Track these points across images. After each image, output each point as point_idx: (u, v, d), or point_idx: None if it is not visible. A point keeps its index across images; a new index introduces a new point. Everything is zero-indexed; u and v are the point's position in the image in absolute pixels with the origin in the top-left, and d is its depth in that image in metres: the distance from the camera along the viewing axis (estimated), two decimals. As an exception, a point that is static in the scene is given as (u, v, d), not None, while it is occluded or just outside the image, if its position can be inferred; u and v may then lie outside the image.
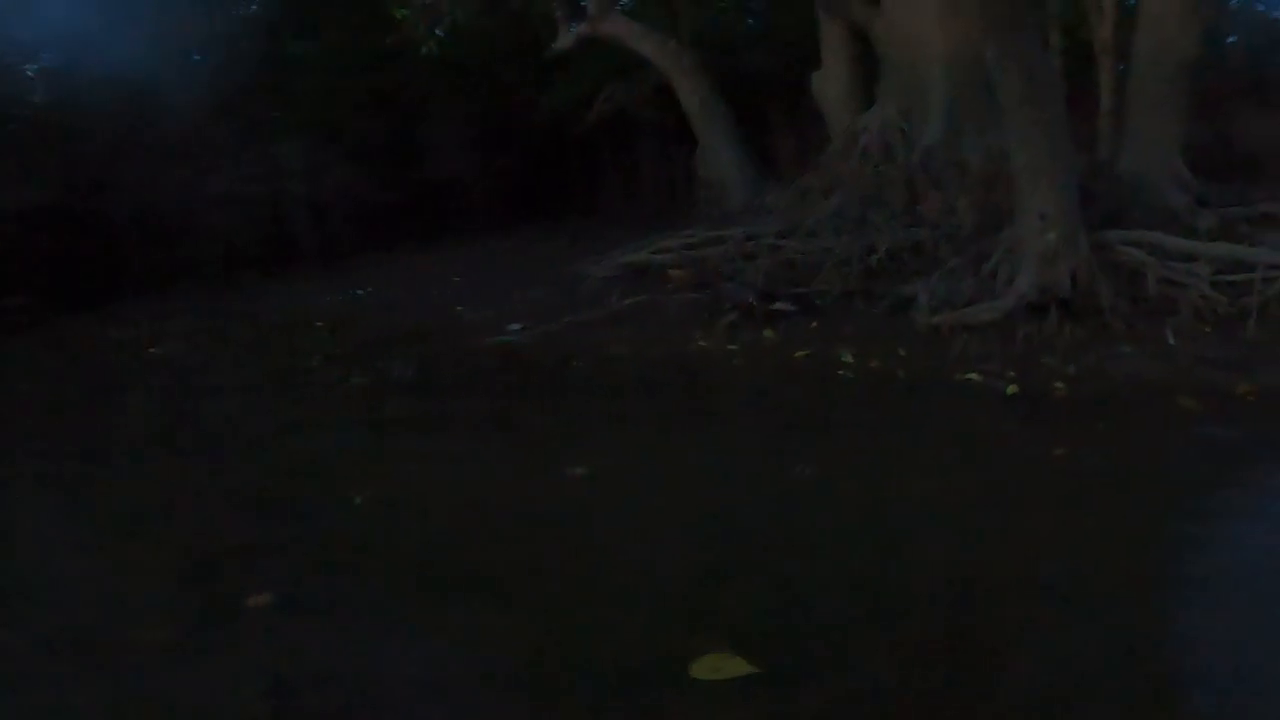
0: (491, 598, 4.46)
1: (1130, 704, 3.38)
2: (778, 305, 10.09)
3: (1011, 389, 7.88)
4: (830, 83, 14.06)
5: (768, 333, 9.95)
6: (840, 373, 8.68)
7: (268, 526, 5.67)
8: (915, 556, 4.75)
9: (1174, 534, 5.08)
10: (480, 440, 7.58)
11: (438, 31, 15.55)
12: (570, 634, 4.05)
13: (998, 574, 4.50)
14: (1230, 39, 18.44)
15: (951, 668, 3.66)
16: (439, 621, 4.31)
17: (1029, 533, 4.99)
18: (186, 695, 3.74)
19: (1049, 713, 3.34)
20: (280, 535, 5.49)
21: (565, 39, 17.07)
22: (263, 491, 6.41)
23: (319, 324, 13.32)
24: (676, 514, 5.40)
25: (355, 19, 18.46)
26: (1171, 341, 8.62)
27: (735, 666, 3.61)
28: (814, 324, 10.00)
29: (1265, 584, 4.24)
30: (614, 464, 6.39)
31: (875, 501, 5.54)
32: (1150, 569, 4.74)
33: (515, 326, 11.44)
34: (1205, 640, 3.83)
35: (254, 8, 18.19)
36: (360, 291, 15.38)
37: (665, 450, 6.85)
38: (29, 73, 18.64)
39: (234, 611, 4.40)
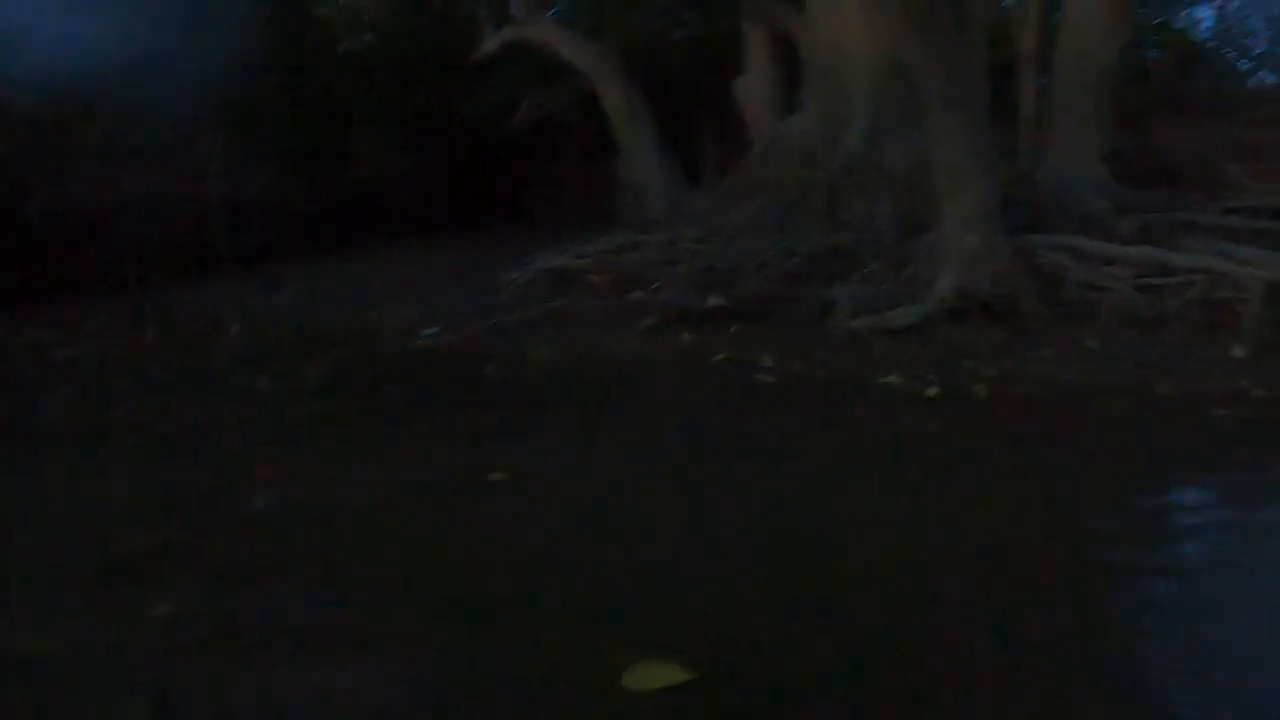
0: (399, 605, 4.19)
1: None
2: (712, 303, 9.86)
3: (932, 391, 7.72)
4: (754, 88, 14.00)
5: (686, 336, 9.73)
6: (759, 375, 8.46)
7: (166, 530, 5.31)
8: (828, 546, 4.65)
9: (1071, 520, 4.97)
10: (387, 441, 7.31)
11: (360, 32, 15.15)
12: (491, 646, 3.79)
13: (907, 557, 4.41)
14: (1153, 54, 18.76)
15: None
16: (342, 636, 3.99)
17: (943, 521, 4.91)
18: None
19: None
20: (176, 540, 5.15)
21: (490, 43, 16.89)
22: (162, 493, 6.07)
23: (235, 327, 12.91)
24: (597, 517, 5.21)
25: (280, 18, 18.04)
26: (1093, 344, 8.57)
27: (669, 674, 3.38)
28: (733, 328, 9.78)
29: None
30: (528, 466, 6.08)
31: (789, 496, 5.39)
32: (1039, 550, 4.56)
33: (432, 329, 11.17)
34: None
35: (177, 4, 17.69)
36: (280, 295, 15.01)
37: (581, 452, 6.59)
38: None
39: (125, 620, 4.12)
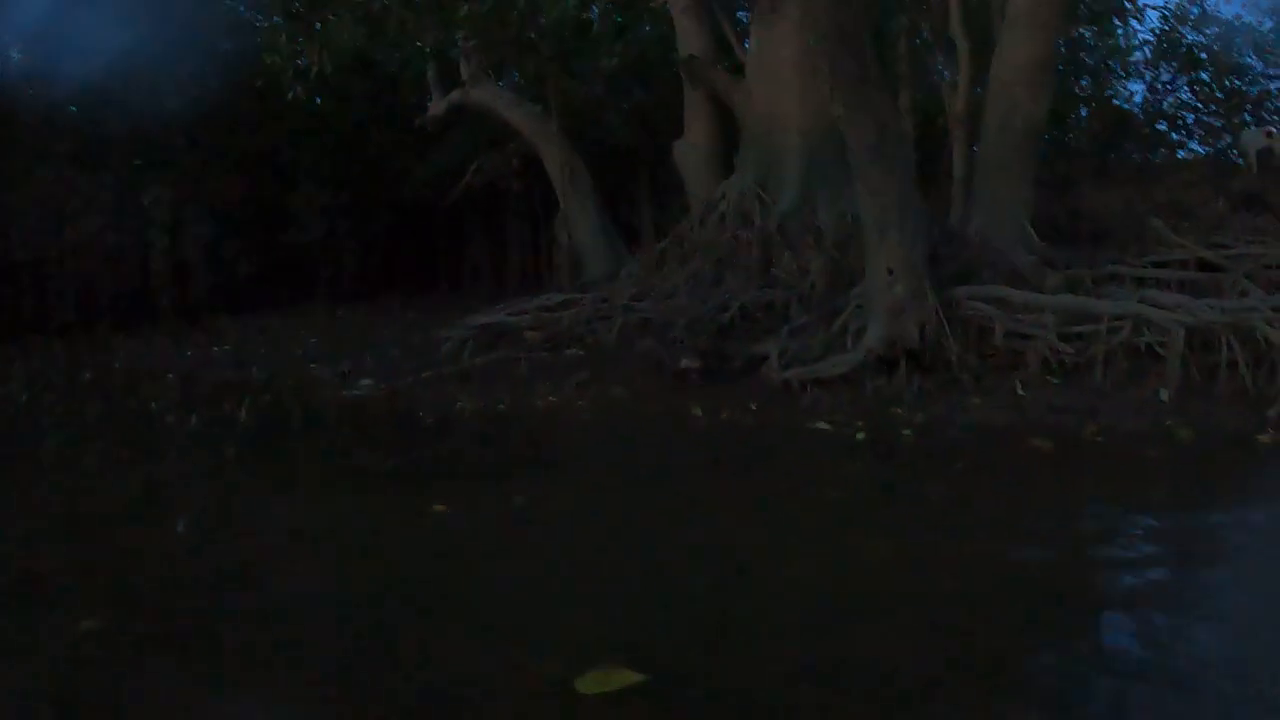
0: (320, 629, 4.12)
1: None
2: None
3: (860, 436, 7.76)
4: (692, 152, 14.19)
5: (616, 389, 9.72)
6: (688, 426, 8.47)
7: (82, 556, 5.29)
8: (755, 580, 4.61)
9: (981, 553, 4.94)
10: (307, 482, 7.39)
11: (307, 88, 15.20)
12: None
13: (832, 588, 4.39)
14: (1082, 112, 19.21)
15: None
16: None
17: (863, 554, 4.92)
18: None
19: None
20: (93, 566, 5.10)
21: (438, 106, 17.01)
22: (78, 522, 6.08)
23: (170, 375, 12.94)
24: (508, 552, 5.18)
25: (227, 71, 18.05)
26: (1020, 391, 8.66)
27: (622, 678, 3.35)
28: (667, 381, 9.78)
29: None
30: (447, 508, 6.00)
31: (713, 535, 5.35)
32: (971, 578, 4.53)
33: (366, 382, 11.22)
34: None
35: (132, 56, 17.68)
36: (217, 348, 15.03)
37: (496, 500, 6.49)
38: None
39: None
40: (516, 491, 6.30)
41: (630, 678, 3.35)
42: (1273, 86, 22.98)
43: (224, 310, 18.01)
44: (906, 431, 7.89)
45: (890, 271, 8.85)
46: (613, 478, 7.11)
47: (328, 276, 20.37)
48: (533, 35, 14.31)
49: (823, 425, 8.12)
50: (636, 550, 5.10)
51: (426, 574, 4.80)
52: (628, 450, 8.06)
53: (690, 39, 14.28)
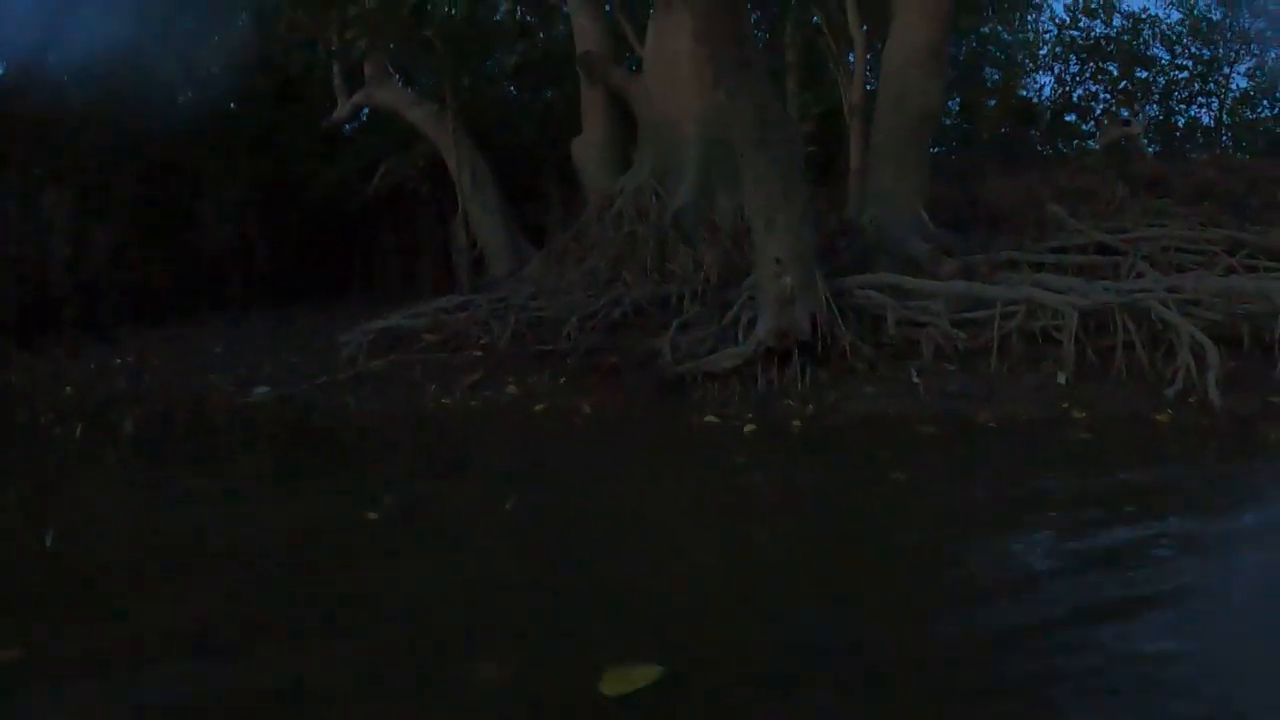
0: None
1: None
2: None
3: (749, 428, 7.60)
4: (589, 148, 14.00)
5: (510, 389, 9.49)
6: (577, 421, 8.28)
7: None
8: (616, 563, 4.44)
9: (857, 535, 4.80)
10: (189, 485, 6.96)
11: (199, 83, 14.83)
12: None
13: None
14: (990, 104, 19.33)
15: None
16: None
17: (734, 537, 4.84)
18: None
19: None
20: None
21: (342, 108, 16.70)
22: None
23: (67, 389, 12.60)
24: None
25: (127, 73, 17.56)
26: (915, 379, 8.55)
27: (646, 674, 3.06)
28: (561, 379, 9.57)
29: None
30: (315, 510, 5.81)
31: (594, 523, 5.22)
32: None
33: (261, 389, 10.99)
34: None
35: (33, 55, 17.07)
36: (119, 360, 14.58)
37: (368, 502, 6.26)
38: None
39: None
40: (392, 490, 6.09)
41: (653, 672, 3.06)
42: (1179, 76, 23.32)
43: (130, 320, 17.50)
44: (795, 422, 7.76)
45: (778, 261, 8.68)
46: (492, 476, 6.88)
47: (238, 283, 19.91)
48: (427, 34, 14.01)
49: (712, 419, 7.98)
50: (506, 548, 4.88)
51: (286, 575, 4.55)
52: (512, 449, 7.88)
53: (587, 35, 14.08)
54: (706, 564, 4.45)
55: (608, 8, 14.60)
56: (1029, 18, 22.61)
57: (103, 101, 17.43)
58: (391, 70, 16.53)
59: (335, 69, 16.73)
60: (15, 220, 17.71)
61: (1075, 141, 22.09)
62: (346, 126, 18.53)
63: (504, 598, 3.92)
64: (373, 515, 5.30)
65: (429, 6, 13.67)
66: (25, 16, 15.24)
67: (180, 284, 18.88)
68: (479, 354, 10.68)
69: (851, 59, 13.24)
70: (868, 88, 13.03)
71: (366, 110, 18.22)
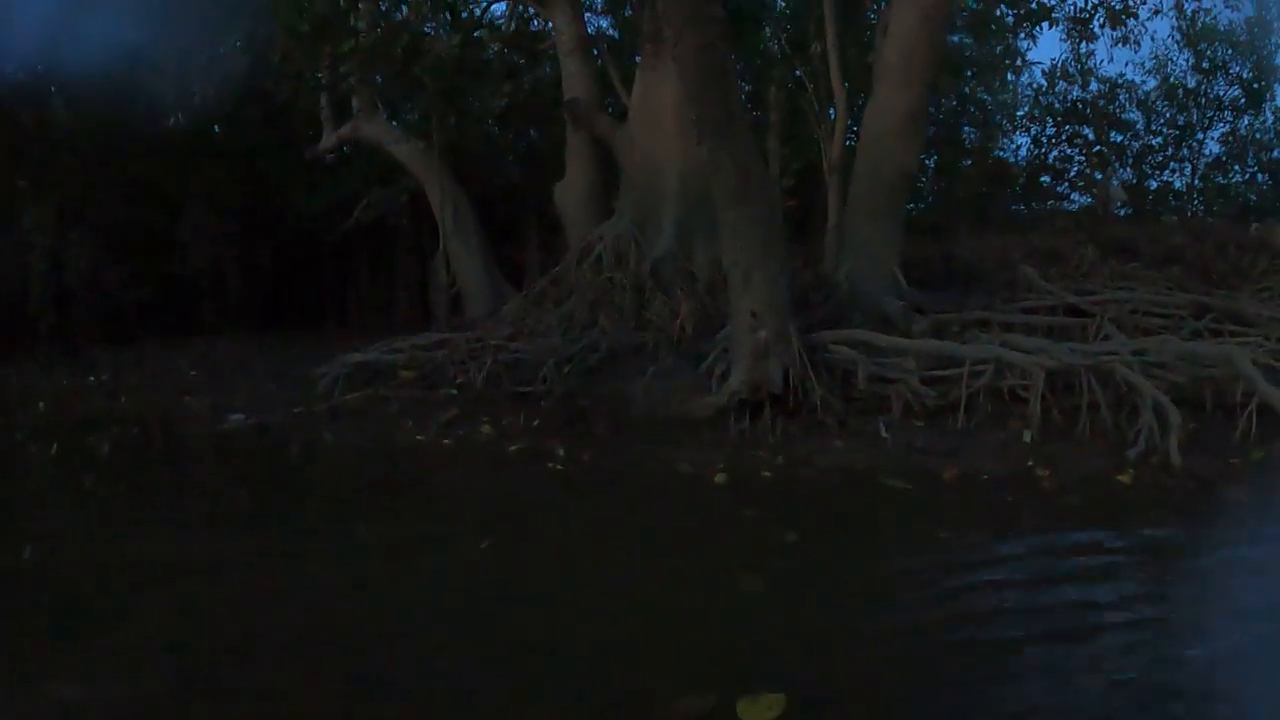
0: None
1: None
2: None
3: (720, 478, 7.70)
4: (572, 193, 14.20)
5: (485, 428, 9.59)
6: (550, 464, 8.36)
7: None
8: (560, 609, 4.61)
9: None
10: (156, 511, 7.26)
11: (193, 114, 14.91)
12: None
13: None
14: (966, 163, 19.62)
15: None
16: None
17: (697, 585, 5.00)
18: None
19: None
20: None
21: (328, 139, 16.82)
22: None
23: (40, 405, 12.66)
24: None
25: (113, 90, 17.61)
26: (884, 434, 8.69)
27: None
28: (535, 421, 9.68)
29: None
30: (280, 547, 5.93)
31: (556, 570, 5.42)
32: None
33: (236, 416, 11.02)
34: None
35: (18, 72, 17.07)
36: (93, 378, 14.67)
37: (338, 536, 6.35)
38: None
39: None
40: (363, 525, 6.18)
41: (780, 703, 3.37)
42: (1154, 141, 23.77)
43: (105, 338, 17.59)
44: (766, 473, 7.87)
45: (754, 315, 8.84)
46: (461, 516, 7.02)
47: (213, 307, 19.97)
48: (418, 72, 14.20)
49: (683, 467, 8.08)
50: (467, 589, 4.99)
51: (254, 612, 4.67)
52: (483, 490, 7.99)
53: (576, 82, 14.30)
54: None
55: (597, 56, 14.82)
56: (1009, 78, 23.05)
57: (88, 119, 17.51)
58: (379, 104, 16.71)
59: (323, 100, 16.88)
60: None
61: (1049, 202, 22.49)
62: (329, 157, 18.68)
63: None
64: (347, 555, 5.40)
65: (421, 45, 13.85)
66: (14, 31, 15.29)
67: (155, 305, 18.92)
68: (454, 392, 10.80)
69: (833, 114, 13.46)
70: (848, 143, 13.25)
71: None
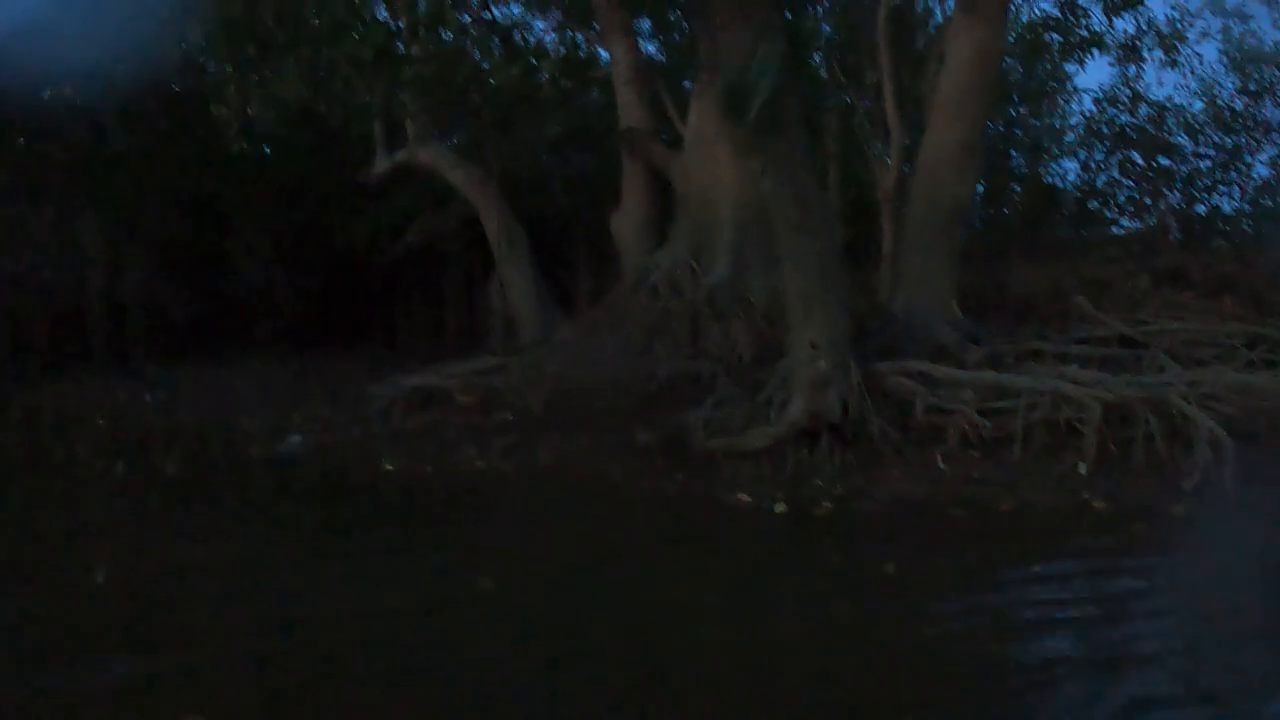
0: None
1: None
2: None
3: (780, 508, 7.82)
4: (628, 222, 14.35)
5: (543, 454, 9.75)
6: (609, 492, 8.52)
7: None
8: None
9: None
10: (225, 536, 7.34)
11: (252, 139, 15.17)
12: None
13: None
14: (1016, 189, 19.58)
15: None
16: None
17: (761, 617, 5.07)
18: None
19: None
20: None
21: (382, 163, 17.03)
22: None
23: (100, 421, 12.95)
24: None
25: (172, 112, 17.98)
26: (941, 465, 8.77)
27: None
28: (593, 449, 9.83)
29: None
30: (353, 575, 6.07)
31: (622, 596, 5.57)
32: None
33: (295, 438, 11.25)
34: None
35: (80, 89, 17.50)
36: (150, 395, 14.91)
37: (409, 556, 6.53)
38: None
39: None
40: (436, 553, 6.37)
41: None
42: (1202, 165, 23.61)
43: (158, 354, 17.88)
44: (825, 504, 7.97)
45: (813, 345, 8.96)
46: (528, 543, 7.15)
47: (264, 325, 20.27)
48: (476, 99, 14.41)
49: (743, 496, 8.19)
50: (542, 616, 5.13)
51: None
52: (548, 517, 8.12)
53: (631, 110, 14.47)
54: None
55: (650, 85, 14.98)
56: (1059, 102, 22.99)
57: (143, 139, 17.86)
58: (434, 131, 16.92)
59: (377, 125, 17.11)
60: (52, 250, 18.09)
61: (1099, 228, 22.40)
62: (380, 181, 18.92)
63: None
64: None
65: (482, 74, 14.06)
66: (72, 52, 15.61)
67: (207, 322, 19.24)
68: (511, 418, 10.95)
69: (888, 143, 13.55)
70: (904, 171, 13.33)
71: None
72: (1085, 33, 16.70)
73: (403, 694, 4.16)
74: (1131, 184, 23.35)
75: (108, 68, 16.22)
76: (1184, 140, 23.51)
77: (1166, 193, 22.45)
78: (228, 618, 5.05)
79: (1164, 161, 23.15)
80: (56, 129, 17.44)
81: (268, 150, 20.11)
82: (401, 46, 14.21)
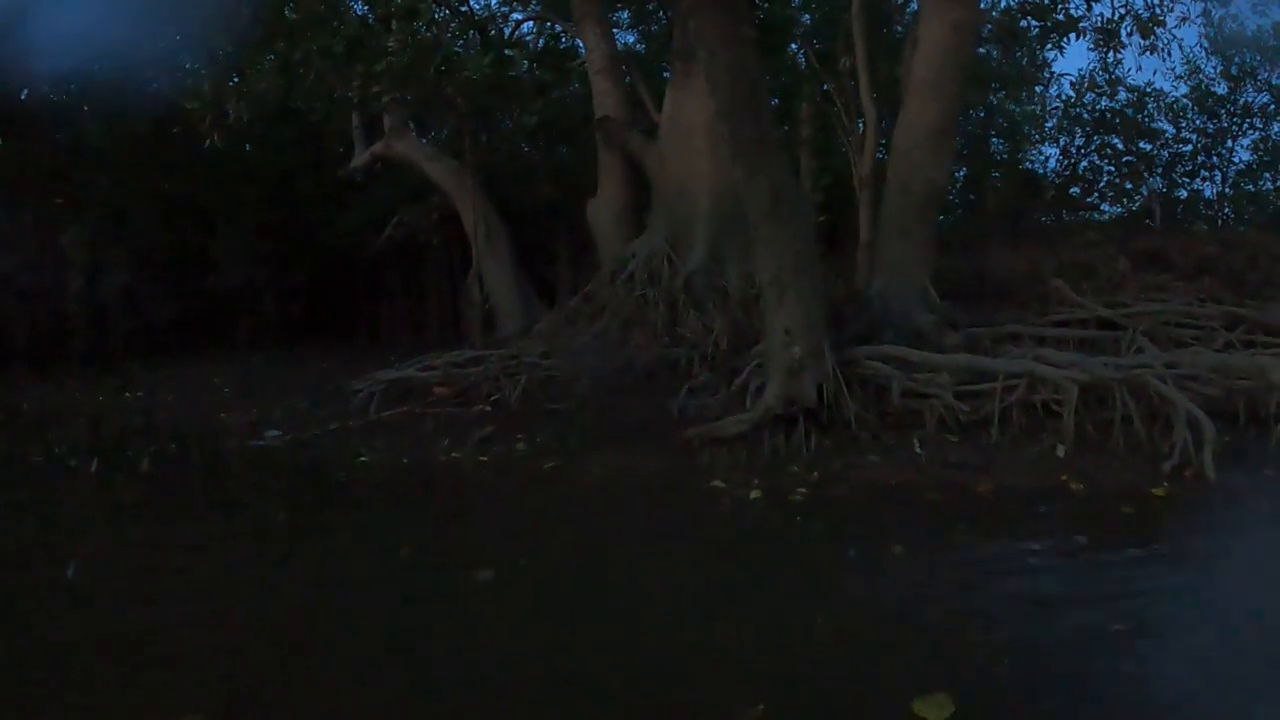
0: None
1: None
2: None
3: (755, 494, 7.76)
4: (604, 211, 14.31)
5: (519, 445, 9.69)
6: (585, 481, 8.47)
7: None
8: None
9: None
10: (201, 527, 7.37)
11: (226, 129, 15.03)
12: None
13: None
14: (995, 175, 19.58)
15: None
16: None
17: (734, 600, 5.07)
18: None
19: None
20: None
21: (360, 157, 16.98)
22: None
23: (79, 420, 12.97)
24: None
25: (158, 115, 17.84)
26: (918, 449, 8.72)
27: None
28: (570, 438, 9.77)
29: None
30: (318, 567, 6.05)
31: (594, 582, 5.59)
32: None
33: (273, 432, 11.18)
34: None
35: (59, 90, 17.34)
36: (129, 394, 14.93)
37: (384, 552, 6.46)
38: None
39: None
40: (405, 544, 6.29)
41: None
42: (1184, 149, 23.63)
43: (140, 355, 17.87)
44: (801, 489, 7.92)
45: (788, 331, 8.91)
46: (500, 532, 7.13)
47: (247, 324, 20.22)
48: (450, 91, 14.32)
49: (719, 483, 8.14)
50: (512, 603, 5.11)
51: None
52: (520, 506, 8.07)
53: (606, 99, 14.43)
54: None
55: (626, 73, 14.93)
56: (1037, 88, 22.97)
57: (123, 139, 17.75)
58: (410, 123, 16.86)
59: (355, 119, 17.05)
60: (33, 251, 18.02)
61: (1080, 213, 22.39)
62: (360, 176, 18.87)
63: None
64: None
65: (454, 65, 13.96)
66: (50, 51, 15.51)
67: (189, 321, 19.19)
68: (489, 409, 10.91)
69: (862, 128, 13.51)
70: (878, 157, 13.29)
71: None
72: (1061, 17, 16.64)
73: (383, 680, 4.12)
74: (1112, 169, 23.37)
75: (85, 68, 16.13)
76: (1165, 125, 23.56)
77: (1148, 177, 22.46)
78: (198, 610, 5.03)
79: (1145, 146, 23.18)
80: (35, 130, 17.33)
81: (248, 148, 19.99)
82: (376, 38, 14.10)
